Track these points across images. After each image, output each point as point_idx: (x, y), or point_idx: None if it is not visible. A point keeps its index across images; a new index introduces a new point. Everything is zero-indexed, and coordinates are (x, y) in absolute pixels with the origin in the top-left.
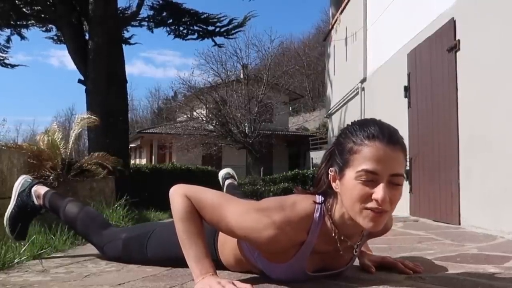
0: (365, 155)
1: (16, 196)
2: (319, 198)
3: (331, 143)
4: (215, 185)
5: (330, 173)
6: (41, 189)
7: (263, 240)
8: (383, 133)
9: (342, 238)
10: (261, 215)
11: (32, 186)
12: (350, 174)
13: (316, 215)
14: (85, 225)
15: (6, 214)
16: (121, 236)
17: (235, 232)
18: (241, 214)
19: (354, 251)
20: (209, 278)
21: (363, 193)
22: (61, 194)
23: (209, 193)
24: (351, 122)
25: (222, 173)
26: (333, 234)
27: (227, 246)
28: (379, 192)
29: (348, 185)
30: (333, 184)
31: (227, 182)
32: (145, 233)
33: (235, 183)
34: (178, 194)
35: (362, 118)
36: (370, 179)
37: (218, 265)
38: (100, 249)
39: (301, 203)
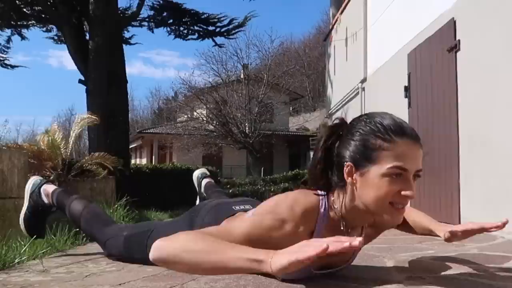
0: (397, 152)
1: (28, 197)
2: (321, 193)
3: (328, 137)
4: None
5: (345, 168)
6: (49, 188)
7: (285, 234)
8: (408, 129)
9: (349, 231)
10: (272, 217)
11: (41, 186)
12: (376, 170)
13: (321, 209)
14: (88, 222)
15: (20, 216)
16: (122, 233)
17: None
18: (254, 224)
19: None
20: (281, 252)
21: (391, 190)
22: (68, 192)
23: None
24: (366, 116)
25: (196, 173)
26: (341, 228)
27: None
28: (410, 189)
29: (373, 182)
30: (349, 179)
31: (204, 181)
32: (145, 231)
33: (213, 181)
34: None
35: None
36: (400, 175)
37: None
38: (102, 245)
39: (303, 197)
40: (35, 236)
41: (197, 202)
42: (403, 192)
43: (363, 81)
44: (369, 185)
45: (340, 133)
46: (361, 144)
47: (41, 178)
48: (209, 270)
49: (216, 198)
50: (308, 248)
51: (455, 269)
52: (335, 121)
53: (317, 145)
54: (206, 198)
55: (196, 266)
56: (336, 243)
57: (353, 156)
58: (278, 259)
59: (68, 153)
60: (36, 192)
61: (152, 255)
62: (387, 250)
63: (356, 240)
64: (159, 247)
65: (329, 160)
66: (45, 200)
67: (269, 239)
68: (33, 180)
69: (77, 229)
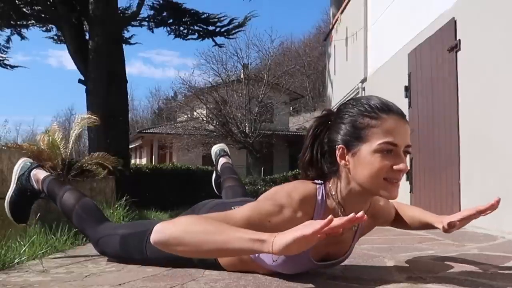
0: (385, 128)
1: (16, 179)
2: (318, 182)
3: (316, 126)
4: None
5: (337, 151)
6: (40, 174)
7: (284, 219)
8: (394, 106)
9: None
10: (271, 203)
11: (31, 170)
12: (367, 148)
13: (319, 197)
14: (81, 218)
15: (6, 198)
16: (117, 232)
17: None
18: (252, 210)
19: (354, 228)
20: (285, 232)
21: (384, 165)
22: (60, 181)
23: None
24: (353, 100)
25: (215, 148)
26: (339, 215)
27: None
28: (402, 163)
29: (366, 160)
30: (342, 162)
31: (221, 160)
32: (144, 231)
33: (230, 162)
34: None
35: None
36: (390, 151)
37: (215, 265)
38: (94, 243)
39: (301, 185)
40: (18, 221)
41: (213, 177)
42: (395, 166)
43: (364, 81)
44: (361, 164)
45: (328, 123)
46: (350, 126)
47: (31, 161)
48: (211, 251)
49: (226, 190)
50: (313, 225)
51: (455, 269)
52: (323, 112)
53: (306, 135)
54: (221, 178)
55: (198, 247)
56: (339, 219)
57: (343, 138)
58: (282, 237)
59: (68, 153)
60: (25, 175)
61: (153, 238)
62: (387, 250)
63: (360, 213)
64: (161, 230)
65: (320, 149)
66: (35, 185)
67: (269, 225)
68: (22, 162)
69: (77, 230)
